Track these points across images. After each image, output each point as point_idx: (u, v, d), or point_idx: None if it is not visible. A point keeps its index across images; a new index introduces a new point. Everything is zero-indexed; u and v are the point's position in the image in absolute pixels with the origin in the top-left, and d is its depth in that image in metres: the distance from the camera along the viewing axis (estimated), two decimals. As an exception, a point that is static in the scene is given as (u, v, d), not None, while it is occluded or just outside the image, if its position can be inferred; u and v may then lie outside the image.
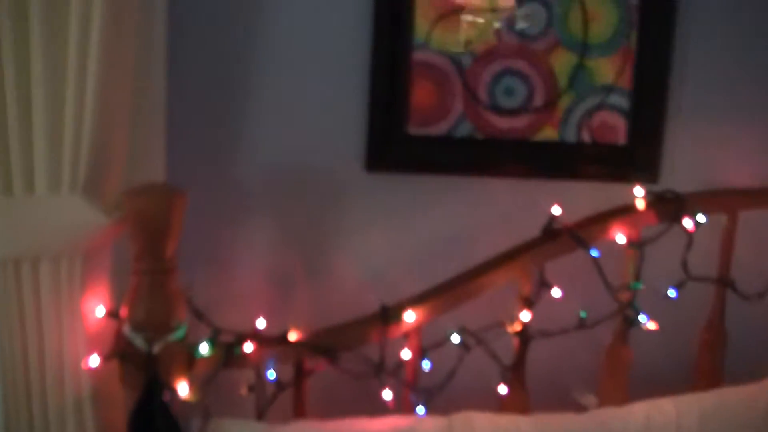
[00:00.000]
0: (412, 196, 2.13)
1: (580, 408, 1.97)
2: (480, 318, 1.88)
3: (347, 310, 1.85)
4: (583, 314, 1.89)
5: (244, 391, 1.77)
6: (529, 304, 1.87)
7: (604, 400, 1.99)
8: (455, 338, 1.84)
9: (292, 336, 1.75)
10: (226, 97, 2.04)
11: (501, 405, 1.93)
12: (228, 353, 1.71)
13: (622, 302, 1.93)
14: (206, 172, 2.02)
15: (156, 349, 1.60)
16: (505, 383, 1.91)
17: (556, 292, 1.89)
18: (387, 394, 1.82)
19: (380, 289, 1.96)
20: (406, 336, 1.83)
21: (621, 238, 1.91)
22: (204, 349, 1.68)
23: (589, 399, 1.99)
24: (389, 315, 1.79)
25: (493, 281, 1.86)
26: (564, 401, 2.00)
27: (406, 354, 1.83)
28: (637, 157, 2.11)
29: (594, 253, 1.86)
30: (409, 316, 1.79)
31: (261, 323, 1.76)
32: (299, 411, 1.82)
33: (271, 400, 1.78)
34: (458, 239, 2.12)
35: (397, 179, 2.11)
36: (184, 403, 1.66)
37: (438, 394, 1.85)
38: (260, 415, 1.79)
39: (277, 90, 2.05)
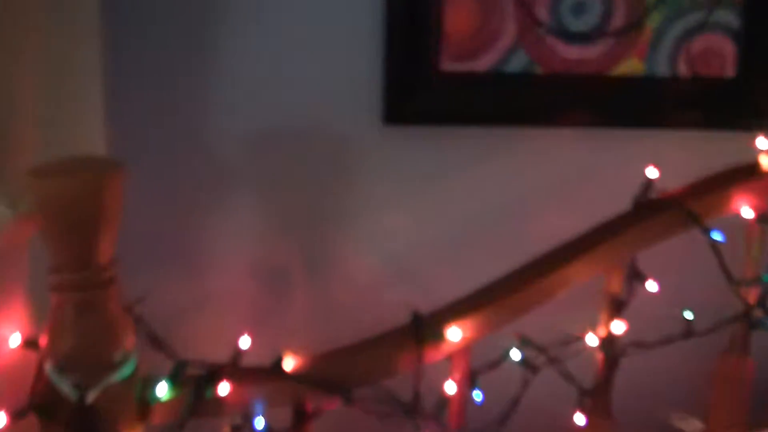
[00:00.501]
0: (444, 157, 1.73)
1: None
2: (539, 327, 1.42)
3: (362, 320, 1.41)
4: (688, 315, 1.44)
5: (226, 438, 1.38)
6: (618, 306, 1.41)
7: (714, 427, 1.57)
8: (515, 355, 1.40)
9: (288, 364, 1.29)
10: (187, 39, 1.65)
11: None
12: (198, 395, 1.25)
13: (745, 300, 1.46)
14: (165, 142, 1.65)
15: (91, 396, 1.16)
16: (584, 412, 1.47)
17: (651, 286, 1.43)
18: None
19: (405, 286, 1.60)
20: (449, 359, 1.37)
21: (747, 212, 1.44)
22: (162, 391, 1.23)
23: (693, 425, 1.56)
24: (425, 331, 1.32)
25: (570, 278, 1.38)
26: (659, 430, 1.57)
27: (450, 387, 1.37)
28: (752, 96, 1.73)
29: (717, 236, 1.40)
30: (454, 334, 1.32)
31: (245, 342, 1.31)
32: None
33: None
34: (508, 213, 1.72)
35: (426, 134, 1.71)
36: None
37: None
38: None
39: (255, 21, 1.66)
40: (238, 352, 1.31)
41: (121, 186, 1.18)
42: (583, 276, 1.39)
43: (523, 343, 1.41)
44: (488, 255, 1.52)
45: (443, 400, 1.37)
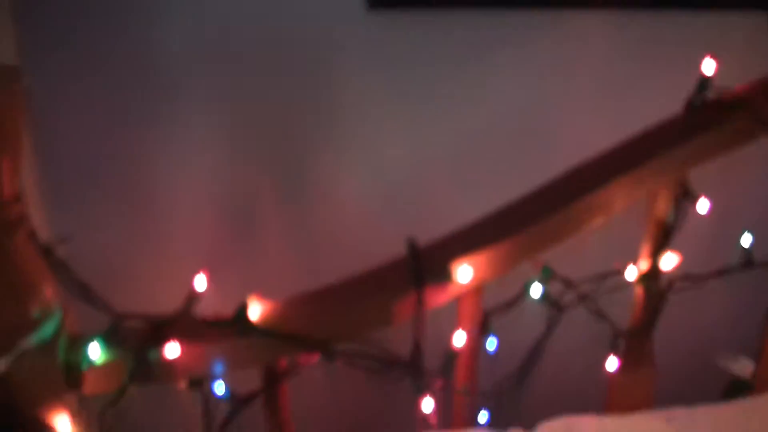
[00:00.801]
0: (445, 48, 1.40)
1: (731, 378, 1.32)
2: (566, 263, 1.17)
3: (348, 259, 1.16)
4: (747, 242, 1.19)
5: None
6: (666, 233, 1.16)
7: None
8: (536, 292, 1.16)
9: (255, 313, 1.04)
10: None
11: (609, 394, 1.26)
12: (140, 358, 1.01)
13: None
14: (95, 43, 1.28)
15: (2, 366, 0.93)
16: (618, 356, 1.24)
17: (702, 206, 1.18)
18: (427, 404, 1.14)
19: (399, 216, 1.31)
20: (456, 302, 1.12)
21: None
22: (95, 353, 1.00)
23: (743, 365, 1.33)
24: (427, 270, 1.05)
25: (607, 202, 1.11)
26: (703, 373, 1.35)
27: (458, 336, 1.13)
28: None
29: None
30: (465, 273, 1.07)
31: (201, 284, 1.05)
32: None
33: (226, 424, 1.09)
34: (525, 119, 1.41)
35: (417, 20, 1.36)
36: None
37: (511, 392, 1.18)
38: None
39: None
40: (192, 299, 1.06)
41: (22, 100, 0.93)
42: (623, 199, 1.12)
43: (546, 276, 1.16)
44: (502, 173, 1.30)
45: (451, 353, 1.13)
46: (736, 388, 1.40)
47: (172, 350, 1.02)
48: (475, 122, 1.42)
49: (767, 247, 1.22)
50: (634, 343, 1.23)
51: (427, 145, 1.41)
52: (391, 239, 1.12)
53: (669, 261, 1.17)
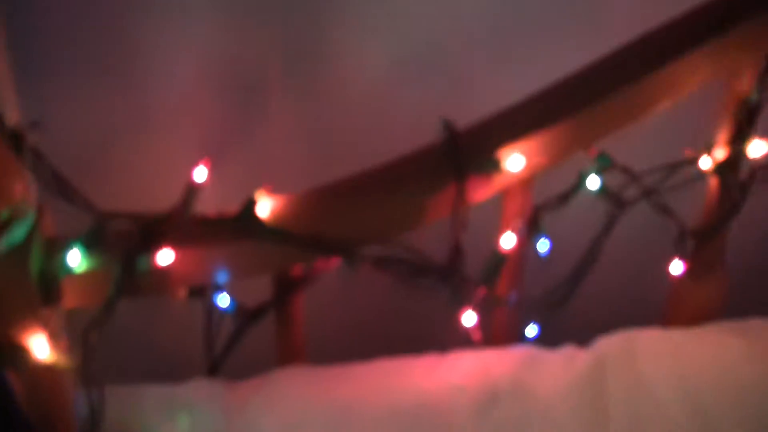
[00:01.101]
0: None
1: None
2: (627, 153, 1.00)
3: (370, 144, 1.01)
4: None
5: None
6: (751, 114, 0.98)
7: None
8: (593, 184, 1.00)
9: (264, 210, 0.89)
10: None
11: (673, 303, 1.11)
12: (128, 265, 0.86)
13: None
14: None
15: None
16: (685, 258, 1.07)
17: None
18: (468, 317, 0.99)
19: (432, 90, 1.10)
20: (501, 197, 0.97)
21: None
22: (75, 260, 0.85)
23: None
24: (468, 157, 0.89)
25: (680, 79, 0.93)
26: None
27: (508, 238, 0.97)
28: None
29: None
30: (516, 162, 0.91)
31: (200, 176, 0.89)
32: (286, 350, 1.01)
33: (232, 341, 0.97)
34: None
35: None
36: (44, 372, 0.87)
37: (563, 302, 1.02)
38: (214, 367, 1.00)
39: None
40: (190, 194, 0.89)
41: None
42: (698, 75, 0.95)
43: (603, 165, 0.99)
44: (554, 42, 1.10)
45: (497, 256, 0.97)
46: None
47: (165, 256, 0.87)
48: None
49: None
50: (704, 245, 1.07)
51: (464, 4, 1.19)
52: (420, 120, 0.96)
53: (753, 148, 1.01)
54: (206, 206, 0.91)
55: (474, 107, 0.99)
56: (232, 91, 1.19)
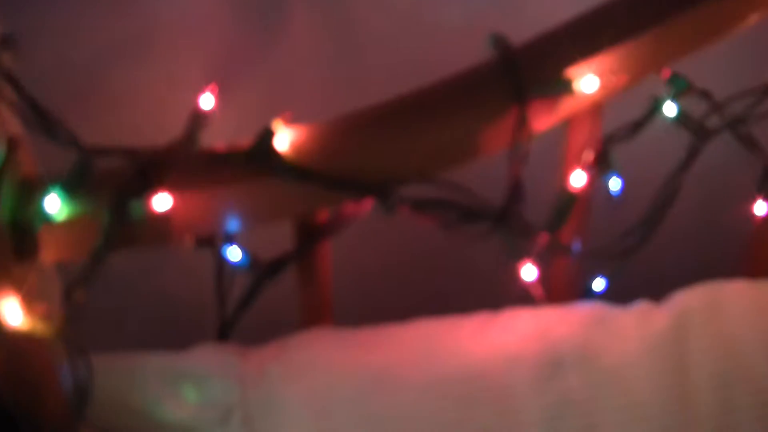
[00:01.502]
0: None
1: None
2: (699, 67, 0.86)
3: (403, 64, 0.87)
4: None
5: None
6: None
7: None
8: (670, 110, 0.85)
9: (283, 143, 0.74)
10: None
11: (756, 249, 0.97)
12: (120, 211, 0.72)
13: None
14: None
15: None
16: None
17: None
18: (528, 270, 0.87)
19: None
20: (565, 127, 0.83)
21: None
22: (55, 206, 0.71)
23: None
24: (529, 77, 0.75)
25: None
26: None
27: (578, 176, 0.83)
28: None
29: None
30: (589, 82, 0.75)
31: (207, 103, 0.75)
32: (310, 310, 0.86)
33: (247, 300, 0.83)
34: None
35: None
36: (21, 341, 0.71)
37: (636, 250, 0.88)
38: (226, 330, 0.85)
39: None
40: (195, 124, 0.75)
41: None
42: None
43: (679, 89, 0.84)
44: None
45: (567, 197, 0.82)
46: None
47: (163, 200, 0.72)
48: None
49: None
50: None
51: None
52: (462, 38, 0.83)
53: None
54: (216, 139, 0.76)
55: (526, 20, 0.86)
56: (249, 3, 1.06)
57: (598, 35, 0.78)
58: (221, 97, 0.80)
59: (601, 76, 0.76)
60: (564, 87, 0.75)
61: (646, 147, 0.88)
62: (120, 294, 0.96)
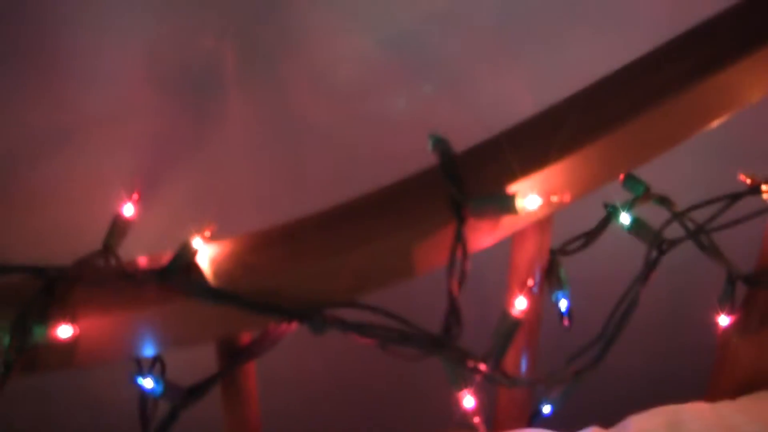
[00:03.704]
0: None
1: None
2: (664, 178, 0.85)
3: (343, 161, 0.87)
4: None
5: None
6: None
7: None
8: (625, 218, 0.83)
9: (204, 258, 0.72)
10: None
11: (720, 364, 0.94)
12: (21, 335, 0.67)
13: None
14: None
15: None
16: (735, 309, 0.88)
17: None
18: (467, 399, 0.80)
19: (415, 91, 0.92)
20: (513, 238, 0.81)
21: None
22: None
23: None
24: (469, 191, 0.73)
25: (738, 88, 0.77)
26: None
27: (520, 300, 0.79)
28: None
29: None
30: (531, 202, 0.73)
31: (129, 211, 0.74)
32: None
33: (164, 427, 0.76)
34: None
35: None
36: None
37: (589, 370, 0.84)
38: None
39: None
40: (118, 231, 0.74)
41: None
42: (762, 83, 0.79)
43: (636, 194, 0.83)
44: (570, 32, 0.94)
45: (509, 323, 0.78)
46: None
47: (66, 330, 0.68)
48: None
49: None
50: (759, 293, 0.92)
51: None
52: (406, 130, 0.81)
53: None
54: (151, 238, 0.78)
55: (474, 115, 0.84)
56: (179, 92, 1.02)
57: (543, 144, 0.75)
58: (150, 196, 0.78)
59: (544, 193, 0.74)
60: (505, 204, 0.72)
61: (604, 257, 0.87)
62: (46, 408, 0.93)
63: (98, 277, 0.72)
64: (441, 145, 0.78)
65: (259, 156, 1.05)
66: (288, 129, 1.04)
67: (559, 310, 0.81)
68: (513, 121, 0.80)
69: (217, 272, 0.73)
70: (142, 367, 0.78)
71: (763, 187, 0.86)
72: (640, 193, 0.85)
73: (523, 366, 0.86)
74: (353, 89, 1.04)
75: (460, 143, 0.79)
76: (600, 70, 0.81)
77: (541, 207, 0.74)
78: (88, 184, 0.98)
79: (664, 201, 0.86)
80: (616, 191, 0.86)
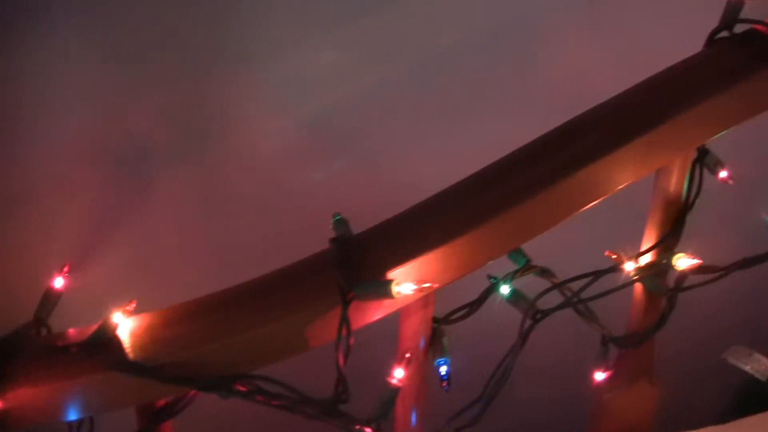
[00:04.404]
0: None
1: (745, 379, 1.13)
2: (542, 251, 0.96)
3: (265, 231, 0.98)
4: None
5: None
6: (680, 214, 0.93)
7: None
8: (505, 289, 0.95)
9: (124, 332, 0.81)
10: None
11: (596, 419, 1.05)
12: None
13: None
14: None
15: None
16: (609, 368, 1.00)
17: (725, 178, 0.95)
18: None
19: (330, 170, 1.03)
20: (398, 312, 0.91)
21: None
22: None
23: (760, 363, 1.14)
24: (357, 276, 0.82)
25: (606, 179, 0.87)
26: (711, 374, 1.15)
27: (398, 371, 0.88)
28: None
29: None
30: (406, 287, 0.82)
31: (59, 282, 0.85)
32: None
33: None
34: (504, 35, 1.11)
35: None
36: None
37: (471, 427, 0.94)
38: None
39: None
40: (48, 303, 0.84)
41: None
42: (626, 174, 0.88)
43: (519, 265, 0.93)
44: (476, 118, 1.03)
45: (389, 392, 0.88)
46: (751, 394, 1.24)
47: (-6, 401, 0.83)
48: (435, 37, 1.12)
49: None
50: (630, 353, 1.02)
51: (374, 75, 1.14)
52: (325, 201, 0.91)
53: (681, 255, 0.93)
54: (85, 308, 0.84)
55: (383, 185, 0.93)
56: (113, 168, 1.10)
57: (422, 233, 0.85)
58: (85, 267, 0.87)
59: (421, 279, 0.83)
60: (383, 291, 0.81)
61: (484, 323, 0.97)
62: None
63: (29, 349, 0.83)
64: (340, 226, 0.88)
65: (191, 228, 1.14)
66: (217, 202, 1.14)
67: (440, 374, 0.91)
68: (420, 196, 0.89)
69: (135, 346, 0.83)
70: (71, 427, 0.88)
71: (625, 265, 0.95)
72: (521, 265, 0.96)
73: (413, 424, 0.97)
74: (275, 164, 1.13)
75: (368, 216, 0.87)
76: (504, 148, 0.89)
77: (416, 292, 0.83)
78: (20, 257, 1.07)
79: (544, 272, 0.96)
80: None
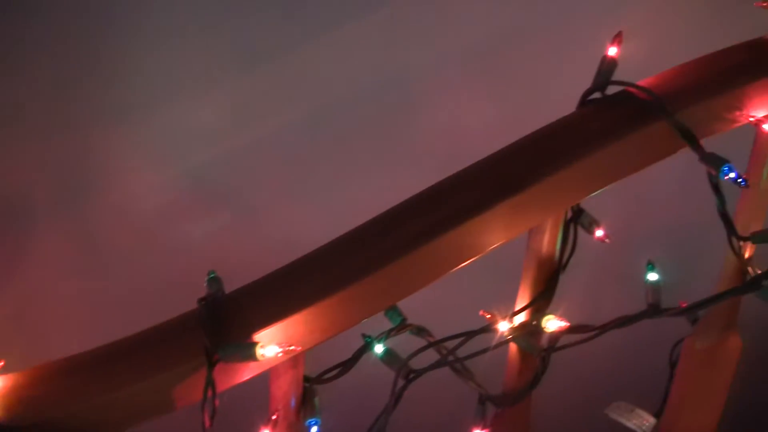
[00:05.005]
0: None
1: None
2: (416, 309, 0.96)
3: (146, 281, 1.00)
4: (653, 279, 1.00)
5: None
6: (553, 274, 0.95)
7: (675, 424, 1.15)
8: (379, 348, 0.95)
9: None
10: None
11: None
12: None
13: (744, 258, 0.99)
14: None
15: None
16: (484, 425, 1.00)
17: (600, 237, 0.97)
18: None
19: (211, 224, 1.03)
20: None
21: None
22: None
23: (641, 420, 1.16)
24: (224, 336, 0.82)
25: (478, 239, 0.88)
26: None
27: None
28: None
29: (729, 172, 0.86)
30: (271, 351, 0.82)
31: None
32: None
33: None
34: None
35: None
36: None
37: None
38: None
39: None
40: None
41: None
42: (498, 234, 0.89)
43: (394, 323, 0.94)
44: (356, 175, 1.04)
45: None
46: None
47: None
48: (318, 96, 1.14)
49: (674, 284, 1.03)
50: (507, 412, 1.02)
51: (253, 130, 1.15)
52: (204, 256, 0.90)
53: (551, 316, 0.96)
54: None
55: (263, 241, 0.93)
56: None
57: (286, 296, 0.85)
58: None
59: (286, 341, 0.82)
60: (247, 353, 0.81)
61: (359, 381, 0.97)
62: None
63: None
64: (213, 284, 0.87)
65: (65, 283, 1.13)
66: (94, 257, 1.13)
67: (312, 432, 0.95)
68: (299, 253, 0.88)
69: (2, 405, 0.81)
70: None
71: (499, 324, 0.96)
72: (397, 324, 0.97)
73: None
74: (153, 219, 1.13)
75: (247, 273, 0.87)
76: (384, 203, 0.90)
77: (281, 354, 0.83)
78: None
79: (420, 331, 0.98)
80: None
